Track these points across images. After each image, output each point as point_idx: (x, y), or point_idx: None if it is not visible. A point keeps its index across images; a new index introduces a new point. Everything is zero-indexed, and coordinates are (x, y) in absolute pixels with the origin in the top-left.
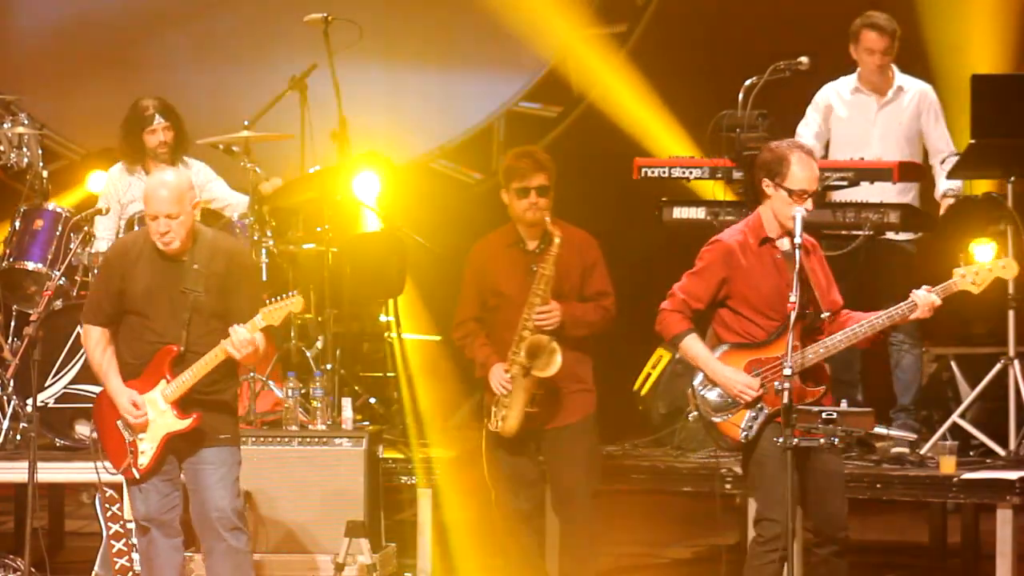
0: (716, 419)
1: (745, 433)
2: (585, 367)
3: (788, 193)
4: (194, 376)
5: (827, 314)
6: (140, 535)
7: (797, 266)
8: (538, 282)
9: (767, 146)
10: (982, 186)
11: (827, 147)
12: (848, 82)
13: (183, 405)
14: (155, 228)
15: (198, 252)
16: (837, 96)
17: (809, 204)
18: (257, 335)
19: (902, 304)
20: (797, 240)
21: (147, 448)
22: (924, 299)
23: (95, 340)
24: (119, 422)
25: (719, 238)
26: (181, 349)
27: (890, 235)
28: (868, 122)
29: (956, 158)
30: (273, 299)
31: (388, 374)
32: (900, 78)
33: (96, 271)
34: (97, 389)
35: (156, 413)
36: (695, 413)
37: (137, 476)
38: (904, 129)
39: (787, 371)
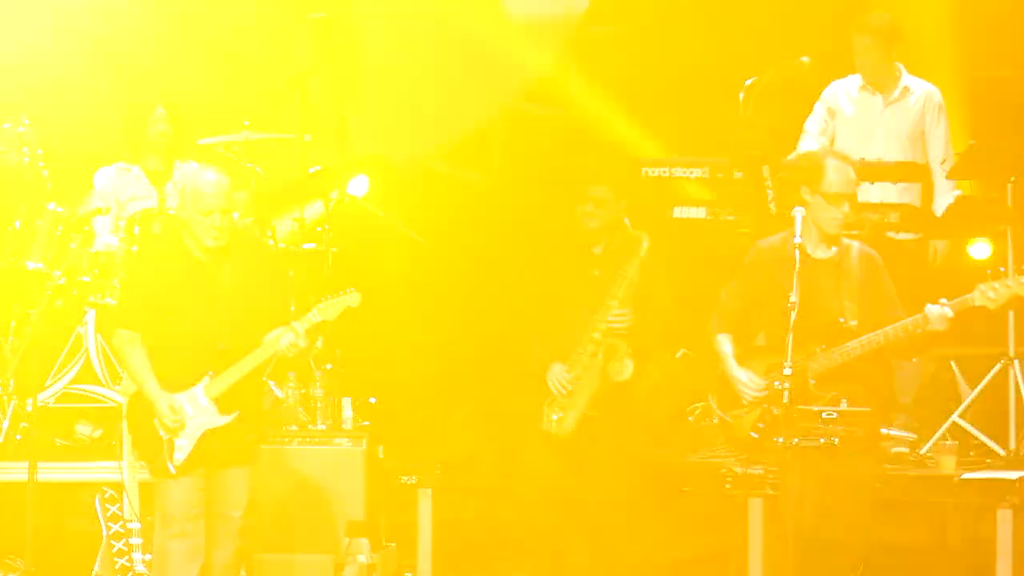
0: (727, 417)
1: (755, 433)
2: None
3: (825, 198)
4: (240, 371)
5: (854, 322)
6: (164, 528)
7: (797, 266)
8: (619, 285)
9: (800, 154)
10: (981, 186)
11: (832, 143)
12: (855, 80)
13: (224, 402)
14: (210, 223)
15: (227, 248)
16: (844, 94)
17: (846, 207)
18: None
19: (915, 316)
20: (797, 240)
21: (184, 444)
22: (937, 313)
23: (129, 344)
24: (156, 421)
25: (756, 243)
26: (223, 346)
27: (891, 233)
28: (874, 121)
29: (950, 165)
30: (328, 296)
31: (387, 374)
32: (907, 78)
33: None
34: (97, 389)
35: (196, 410)
36: (717, 417)
37: (173, 471)
38: (909, 129)
39: (787, 371)
